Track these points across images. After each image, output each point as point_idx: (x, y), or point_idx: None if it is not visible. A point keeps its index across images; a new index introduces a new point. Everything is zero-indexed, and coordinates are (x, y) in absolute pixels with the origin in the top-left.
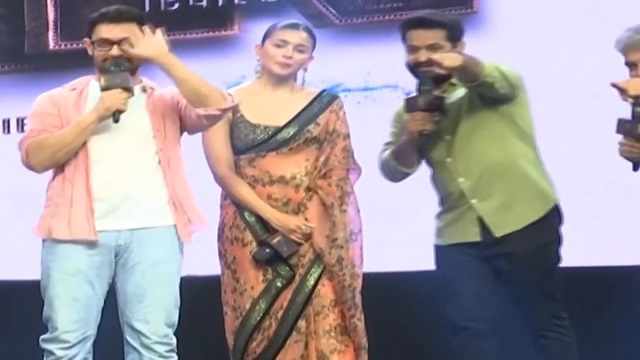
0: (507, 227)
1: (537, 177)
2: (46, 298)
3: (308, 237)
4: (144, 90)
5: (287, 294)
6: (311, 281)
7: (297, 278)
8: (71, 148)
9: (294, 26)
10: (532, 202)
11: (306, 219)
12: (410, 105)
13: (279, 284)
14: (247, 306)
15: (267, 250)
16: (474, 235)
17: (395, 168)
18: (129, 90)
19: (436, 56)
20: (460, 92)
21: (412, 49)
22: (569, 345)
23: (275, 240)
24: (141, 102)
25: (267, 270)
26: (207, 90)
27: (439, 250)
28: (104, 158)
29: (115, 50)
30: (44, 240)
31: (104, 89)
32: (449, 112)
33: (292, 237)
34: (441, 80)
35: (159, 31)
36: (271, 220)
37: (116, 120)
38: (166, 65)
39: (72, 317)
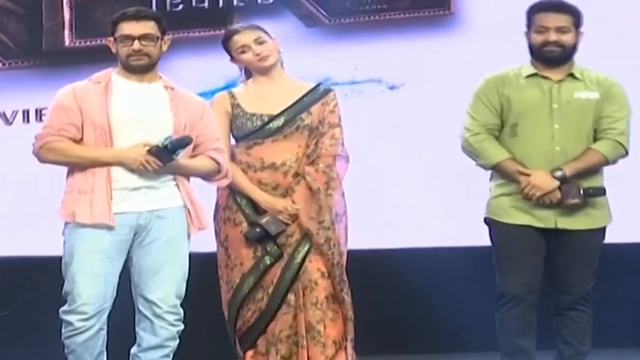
0: (573, 224)
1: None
2: (68, 273)
3: (294, 217)
4: (165, 87)
5: (277, 271)
6: (298, 259)
7: (286, 256)
8: (81, 166)
9: (242, 30)
10: (602, 211)
11: (293, 202)
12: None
13: (267, 261)
14: (237, 280)
15: (257, 229)
16: (547, 222)
17: (476, 160)
18: (163, 163)
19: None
20: (590, 94)
21: (541, 30)
22: (589, 320)
23: (264, 220)
24: (164, 100)
25: (257, 248)
26: (205, 172)
27: (500, 227)
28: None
29: (136, 45)
30: (67, 223)
31: (149, 152)
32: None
33: (280, 217)
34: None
35: (153, 163)
36: (260, 202)
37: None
38: (177, 172)
39: (91, 291)
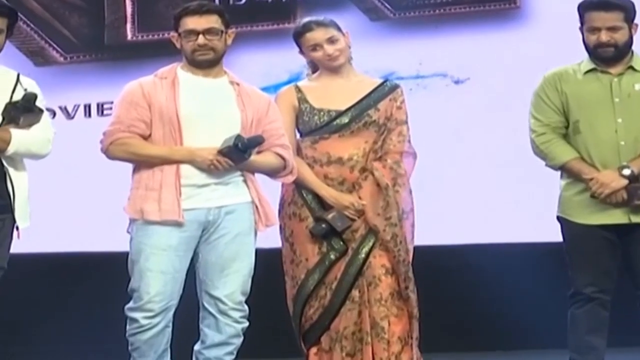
0: None
1: None
2: (135, 271)
3: (360, 213)
4: (231, 83)
5: (341, 266)
6: (362, 254)
7: (350, 251)
8: (151, 163)
9: (315, 27)
10: None
11: (359, 197)
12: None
13: (332, 257)
14: (302, 276)
15: (323, 225)
16: (620, 218)
17: (545, 161)
18: (234, 163)
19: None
20: None
21: (592, 30)
22: None
23: (330, 216)
24: (231, 96)
25: (322, 243)
26: (271, 169)
27: (572, 226)
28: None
29: (201, 40)
30: (133, 220)
31: (220, 152)
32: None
33: (346, 213)
34: None
35: (225, 163)
36: (326, 197)
37: None
38: (244, 169)
39: (159, 289)
